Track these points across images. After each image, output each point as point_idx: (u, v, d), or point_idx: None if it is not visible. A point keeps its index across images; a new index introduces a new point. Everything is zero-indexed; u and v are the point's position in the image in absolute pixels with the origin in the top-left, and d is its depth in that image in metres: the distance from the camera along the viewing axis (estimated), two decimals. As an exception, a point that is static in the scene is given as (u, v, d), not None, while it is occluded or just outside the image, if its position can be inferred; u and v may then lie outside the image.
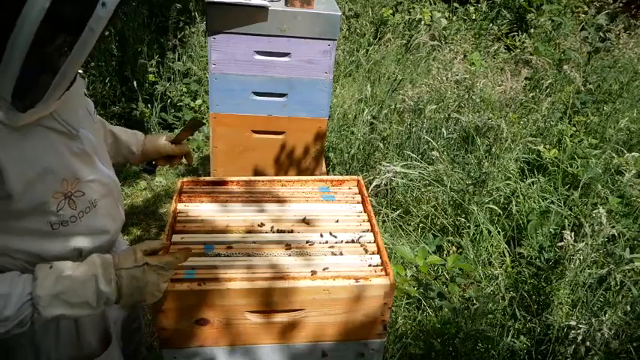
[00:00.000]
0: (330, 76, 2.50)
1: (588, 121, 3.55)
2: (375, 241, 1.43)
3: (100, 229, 1.17)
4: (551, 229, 2.67)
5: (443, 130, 3.32)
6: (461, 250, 2.71)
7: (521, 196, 2.87)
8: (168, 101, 4.08)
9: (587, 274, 2.29)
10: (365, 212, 1.56)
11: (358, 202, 1.62)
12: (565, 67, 3.69)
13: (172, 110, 4.10)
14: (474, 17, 5.50)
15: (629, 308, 2.16)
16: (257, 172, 2.73)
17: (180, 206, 1.54)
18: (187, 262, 1.24)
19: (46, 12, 0.82)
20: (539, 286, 2.44)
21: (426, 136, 3.27)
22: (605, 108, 3.66)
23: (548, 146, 3.17)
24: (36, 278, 0.99)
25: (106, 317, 1.30)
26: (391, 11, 5.38)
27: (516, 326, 2.31)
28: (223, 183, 1.66)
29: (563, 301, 2.30)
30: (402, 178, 3.02)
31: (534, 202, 2.85)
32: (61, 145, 1.05)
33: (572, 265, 2.28)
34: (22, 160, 0.96)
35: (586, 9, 4.93)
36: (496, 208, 2.79)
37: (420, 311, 2.42)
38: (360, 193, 1.65)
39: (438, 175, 3.00)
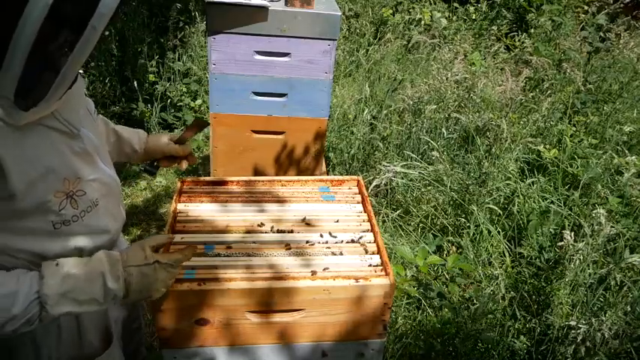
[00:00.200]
0: (330, 76, 2.50)
1: (588, 121, 3.55)
2: (375, 241, 1.44)
3: (101, 229, 1.17)
4: (551, 229, 2.67)
5: (443, 130, 3.32)
6: (461, 250, 2.71)
7: (521, 196, 2.87)
8: (168, 101, 4.08)
9: (587, 274, 2.29)
10: (365, 212, 1.57)
11: (358, 202, 1.62)
12: (565, 64, 3.70)
13: (172, 110, 4.10)
14: (474, 17, 5.50)
15: (629, 308, 2.16)
16: (257, 172, 2.73)
17: (180, 206, 1.54)
18: (187, 262, 1.24)
19: (49, 10, 0.83)
20: (539, 286, 2.44)
21: (425, 136, 3.27)
22: (605, 108, 3.66)
23: (548, 146, 3.17)
24: (43, 276, 0.99)
25: (107, 316, 1.30)
26: (391, 11, 5.38)
27: (516, 326, 2.31)
28: (223, 183, 1.66)
29: (563, 301, 2.30)
30: (402, 178, 3.02)
31: (534, 202, 2.85)
32: (62, 144, 1.05)
33: (572, 265, 2.28)
34: (24, 159, 0.97)
35: (586, 8, 4.93)
36: (496, 208, 2.79)
37: (420, 311, 2.42)
38: (360, 193, 1.65)
39: (438, 175, 3.00)
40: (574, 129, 3.39)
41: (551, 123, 3.47)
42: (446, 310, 2.32)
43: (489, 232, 2.72)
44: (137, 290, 1.08)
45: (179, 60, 4.30)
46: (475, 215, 2.74)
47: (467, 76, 3.67)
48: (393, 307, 2.40)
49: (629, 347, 2.05)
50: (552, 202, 2.83)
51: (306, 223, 1.49)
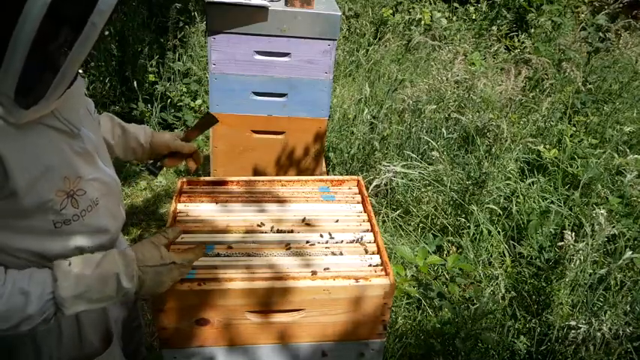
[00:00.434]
0: (330, 76, 2.50)
1: (588, 121, 3.55)
2: (375, 241, 1.43)
3: (101, 228, 1.17)
4: (551, 229, 2.67)
5: (443, 130, 3.32)
6: (461, 250, 2.71)
7: (521, 196, 2.87)
8: (168, 101, 4.08)
9: (587, 274, 2.29)
10: (365, 212, 1.56)
11: (358, 202, 1.62)
12: (565, 64, 3.69)
13: (172, 110, 4.10)
14: (474, 17, 5.50)
15: (629, 308, 2.16)
16: (257, 172, 2.73)
17: (180, 206, 1.54)
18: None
19: (48, 8, 0.83)
20: (539, 286, 2.44)
21: (425, 136, 3.27)
22: (605, 108, 3.67)
23: (548, 146, 3.17)
24: (56, 279, 1.00)
25: (107, 316, 1.30)
26: (391, 11, 5.39)
27: (516, 326, 2.31)
28: (223, 183, 1.66)
29: (563, 301, 2.30)
30: (402, 178, 3.02)
31: (534, 202, 2.86)
32: (62, 143, 1.05)
33: (572, 265, 2.28)
34: (25, 157, 0.97)
35: (584, 8, 4.93)
36: (496, 208, 2.79)
37: (420, 311, 2.42)
38: (360, 193, 1.65)
39: (438, 175, 3.00)
40: (574, 129, 3.39)
41: (551, 123, 3.47)
42: (446, 310, 2.32)
43: (489, 232, 2.72)
44: (150, 286, 1.10)
45: (179, 60, 4.30)
46: (475, 215, 2.74)
47: (467, 76, 3.68)
48: (393, 307, 2.40)
49: (629, 347, 2.06)
50: (552, 202, 2.83)
51: (306, 223, 1.49)
